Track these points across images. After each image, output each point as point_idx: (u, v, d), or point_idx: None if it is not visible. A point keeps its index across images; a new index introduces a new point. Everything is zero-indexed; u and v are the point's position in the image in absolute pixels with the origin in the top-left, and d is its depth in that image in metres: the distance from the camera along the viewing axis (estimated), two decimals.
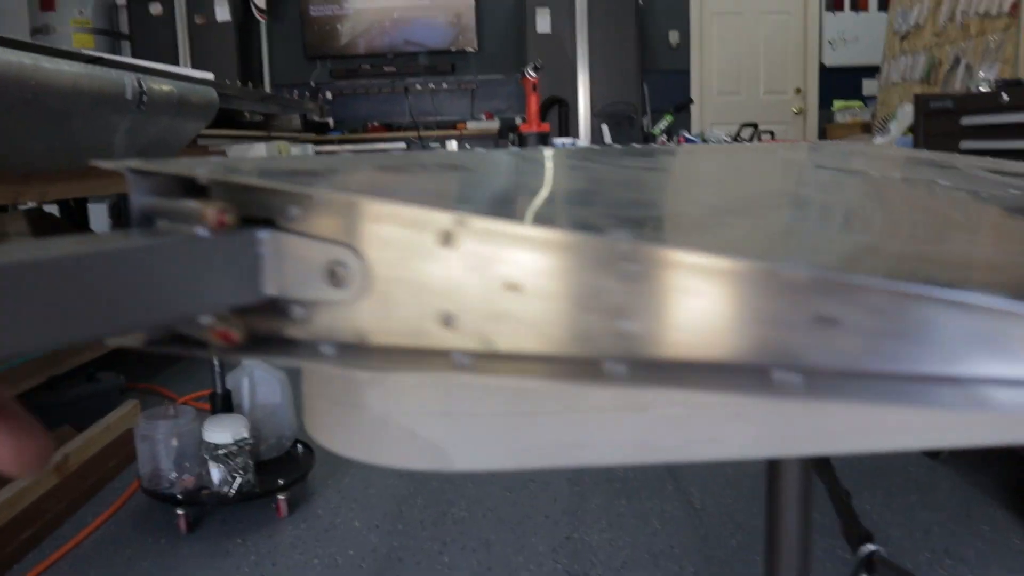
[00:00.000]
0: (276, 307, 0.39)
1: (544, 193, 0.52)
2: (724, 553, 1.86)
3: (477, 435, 0.39)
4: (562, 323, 0.35)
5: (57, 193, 2.67)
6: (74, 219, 3.56)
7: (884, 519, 2.00)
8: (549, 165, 0.71)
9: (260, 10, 5.88)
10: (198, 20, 5.88)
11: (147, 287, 0.33)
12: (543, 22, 5.76)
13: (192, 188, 0.40)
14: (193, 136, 2.96)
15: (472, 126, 6.02)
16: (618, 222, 0.37)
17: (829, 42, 6.17)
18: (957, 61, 3.48)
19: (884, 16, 5.68)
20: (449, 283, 0.37)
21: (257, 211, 0.38)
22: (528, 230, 0.35)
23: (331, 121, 6.02)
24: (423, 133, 5.93)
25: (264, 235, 0.38)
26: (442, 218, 0.36)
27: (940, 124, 2.68)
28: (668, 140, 4.42)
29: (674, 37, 6.26)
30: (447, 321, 0.37)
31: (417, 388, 0.39)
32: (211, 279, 0.36)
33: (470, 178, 0.55)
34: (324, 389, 0.42)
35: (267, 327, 0.39)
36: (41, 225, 3.13)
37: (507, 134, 5.99)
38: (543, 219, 0.36)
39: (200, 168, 0.38)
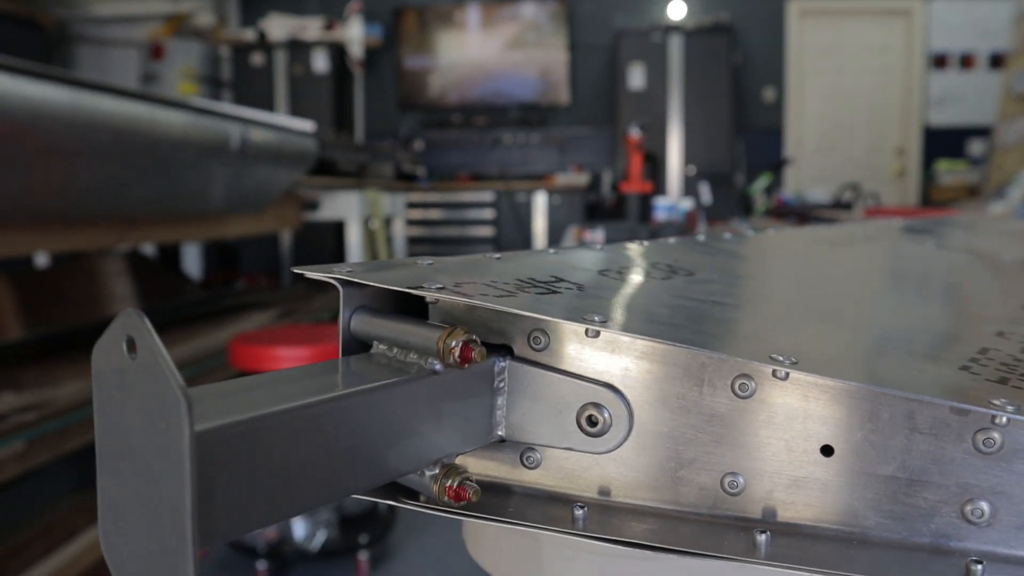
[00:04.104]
0: (503, 449, 0.32)
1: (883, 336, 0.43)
2: None
3: None
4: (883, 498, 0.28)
5: (158, 237, 2.72)
6: (169, 261, 3.64)
7: None
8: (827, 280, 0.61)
9: (357, 63, 6.02)
10: (296, 71, 6.06)
11: (380, 437, 0.27)
12: (636, 78, 5.73)
13: (397, 296, 0.32)
14: (289, 184, 2.99)
15: (561, 179, 6.00)
16: None
17: (933, 101, 5.98)
18: None
19: (994, 75, 5.47)
20: (742, 441, 0.29)
21: (489, 334, 0.30)
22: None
23: (422, 170, 6.08)
24: (511, 184, 5.93)
25: (503, 365, 0.31)
26: (743, 363, 0.29)
27: None
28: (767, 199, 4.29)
29: (769, 94, 6.15)
30: (732, 487, 0.30)
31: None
32: (445, 423, 0.29)
33: (771, 308, 0.46)
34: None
35: (493, 473, 0.32)
36: (139, 267, 3.20)
37: (600, 189, 5.94)
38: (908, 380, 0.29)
39: (428, 283, 0.30)
